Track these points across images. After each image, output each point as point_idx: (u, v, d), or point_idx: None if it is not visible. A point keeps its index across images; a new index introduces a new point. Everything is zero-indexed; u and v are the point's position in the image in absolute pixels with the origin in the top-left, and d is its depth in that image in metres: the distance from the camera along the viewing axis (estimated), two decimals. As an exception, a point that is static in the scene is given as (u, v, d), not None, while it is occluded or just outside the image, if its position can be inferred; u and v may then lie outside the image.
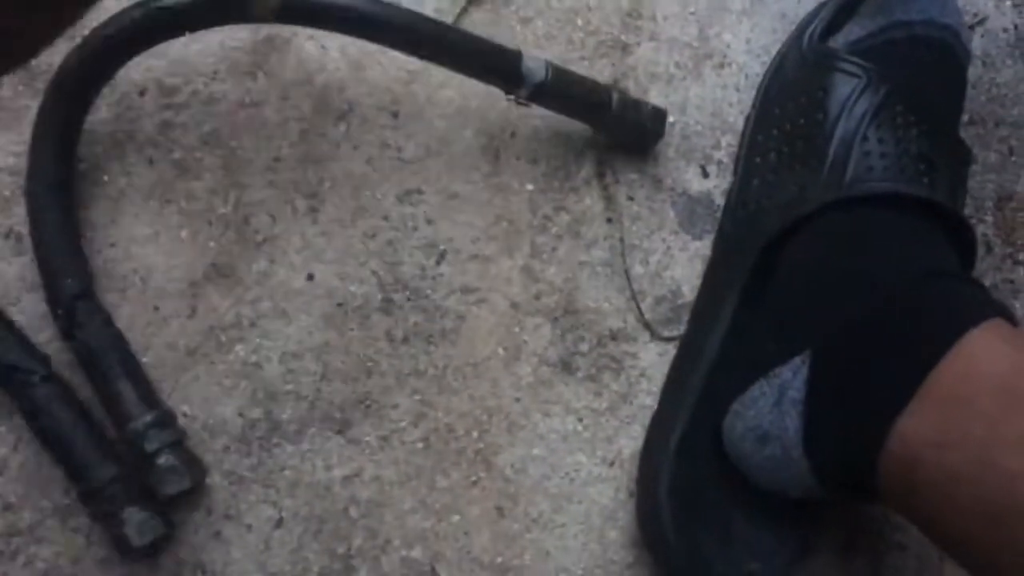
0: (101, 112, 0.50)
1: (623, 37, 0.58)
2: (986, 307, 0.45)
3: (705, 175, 0.58)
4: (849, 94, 0.52)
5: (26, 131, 0.47)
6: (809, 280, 0.50)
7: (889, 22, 0.54)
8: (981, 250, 0.61)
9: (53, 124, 0.47)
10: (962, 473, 0.41)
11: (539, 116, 0.56)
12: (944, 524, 0.42)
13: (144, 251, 0.49)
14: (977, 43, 0.63)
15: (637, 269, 0.56)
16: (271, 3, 0.45)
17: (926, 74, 0.54)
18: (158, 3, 0.45)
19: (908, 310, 0.46)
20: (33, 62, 0.50)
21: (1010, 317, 0.45)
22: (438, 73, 0.54)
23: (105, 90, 0.48)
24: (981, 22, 0.63)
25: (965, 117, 0.62)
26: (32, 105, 0.48)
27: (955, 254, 0.50)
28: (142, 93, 0.51)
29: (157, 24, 0.46)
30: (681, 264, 0.57)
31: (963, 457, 0.41)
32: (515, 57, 0.51)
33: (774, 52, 0.59)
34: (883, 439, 0.43)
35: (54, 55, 0.50)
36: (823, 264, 0.49)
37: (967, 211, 0.61)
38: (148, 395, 0.45)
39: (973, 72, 0.62)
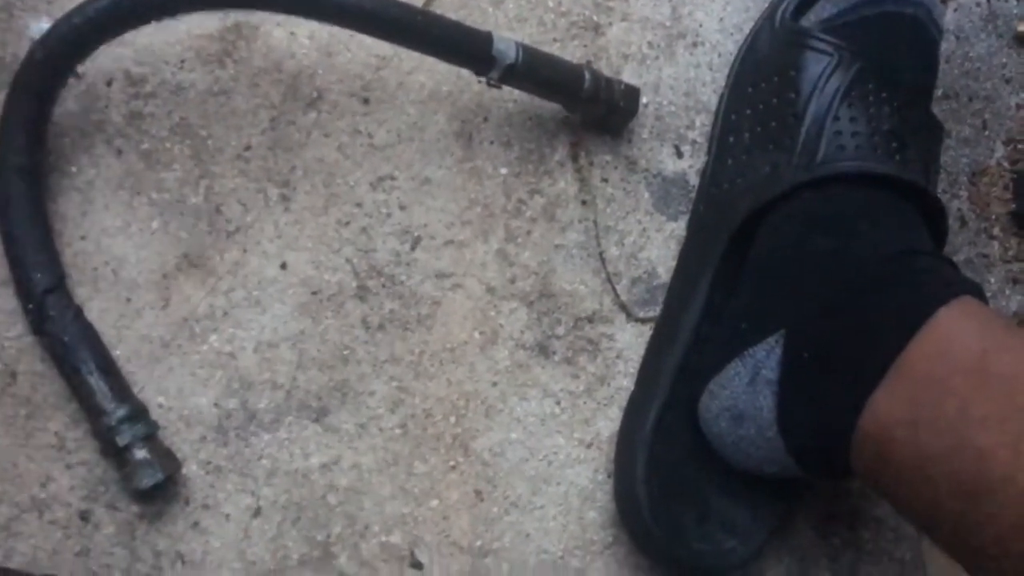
0: (68, 103, 0.49)
1: (595, 18, 0.58)
2: (956, 285, 0.45)
3: (679, 155, 0.58)
4: (821, 72, 0.52)
5: (-8, 124, 0.47)
6: (782, 261, 0.50)
7: (860, 0, 0.53)
8: (956, 224, 0.61)
9: (19, 116, 0.47)
10: (935, 451, 0.41)
11: (512, 99, 0.56)
12: (918, 501, 0.43)
13: (115, 243, 0.49)
14: (950, 18, 0.63)
15: (612, 251, 0.56)
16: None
17: (898, 51, 0.53)
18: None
19: (879, 289, 0.46)
20: (3, 56, 0.49)
21: (980, 294, 0.45)
22: (409, 58, 0.54)
23: (72, 80, 0.48)
24: (954, -4, 0.63)
25: (939, 92, 0.62)
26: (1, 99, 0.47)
27: (927, 231, 0.50)
28: (109, 83, 0.50)
29: (123, 11, 0.45)
30: (656, 245, 0.57)
31: (935, 435, 0.41)
32: (485, 39, 0.50)
33: (747, 30, 0.59)
34: (856, 418, 0.44)
35: (18, 46, 0.49)
36: (795, 245, 0.49)
37: (942, 185, 0.61)
38: (120, 389, 0.45)
39: (946, 47, 0.62)
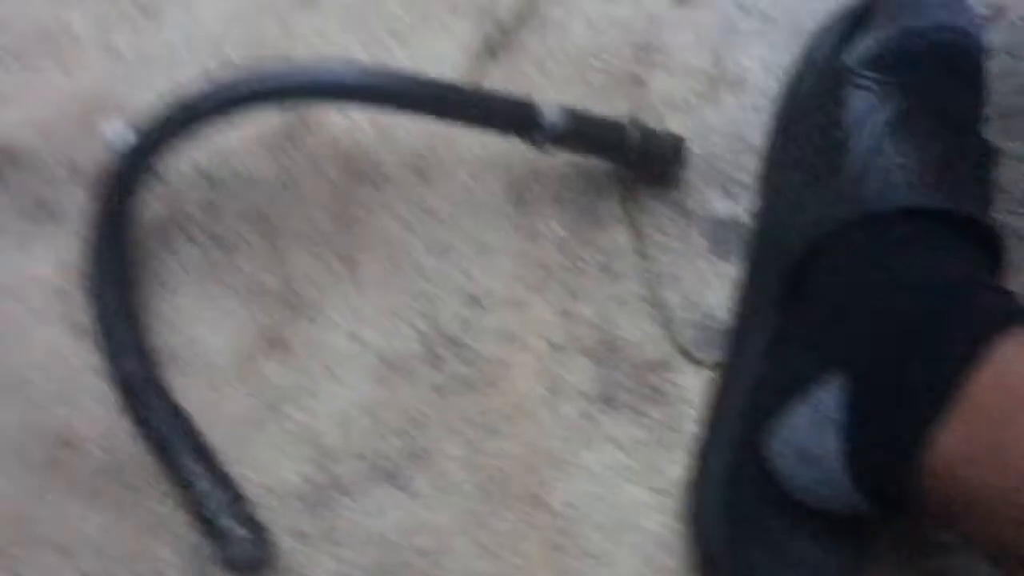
0: (149, 201, 0.53)
1: (637, 71, 0.59)
2: (1014, 315, 0.45)
3: (730, 198, 0.59)
4: (865, 109, 0.53)
5: (82, 226, 0.51)
6: (837, 299, 0.50)
7: (900, 32, 0.54)
8: (1015, 242, 0.61)
9: (106, 217, 0.51)
10: (1000, 486, 0.41)
11: (562, 159, 0.57)
12: (988, 535, 0.43)
13: (199, 329, 0.52)
14: (999, 35, 0.62)
15: (671, 298, 0.57)
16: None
17: (941, 80, 0.54)
18: (190, 96, 0.48)
19: (936, 322, 0.46)
20: (80, 159, 0.53)
21: (1042, 323, 0.45)
22: (461, 130, 0.56)
23: (150, 179, 0.52)
24: (1001, 13, 0.62)
25: (993, 111, 0.61)
26: (84, 202, 0.51)
27: (984, 261, 0.50)
28: (185, 179, 0.54)
29: (191, 114, 0.49)
30: (714, 289, 0.58)
31: (1000, 470, 0.41)
32: (530, 107, 0.52)
33: (790, 69, 0.60)
34: (920, 454, 0.44)
35: (97, 150, 0.53)
36: (850, 283, 0.50)
37: (1002, 205, 0.61)
38: (213, 468, 0.48)
39: (998, 64, 0.62)
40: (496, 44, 0.58)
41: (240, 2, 0.55)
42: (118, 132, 0.51)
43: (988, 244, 0.50)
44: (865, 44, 0.55)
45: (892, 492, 0.46)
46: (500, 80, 0.58)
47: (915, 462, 0.44)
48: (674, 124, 0.59)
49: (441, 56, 0.57)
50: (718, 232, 0.58)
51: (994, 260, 0.51)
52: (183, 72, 0.54)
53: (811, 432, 0.49)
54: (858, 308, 0.49)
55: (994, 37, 0.62)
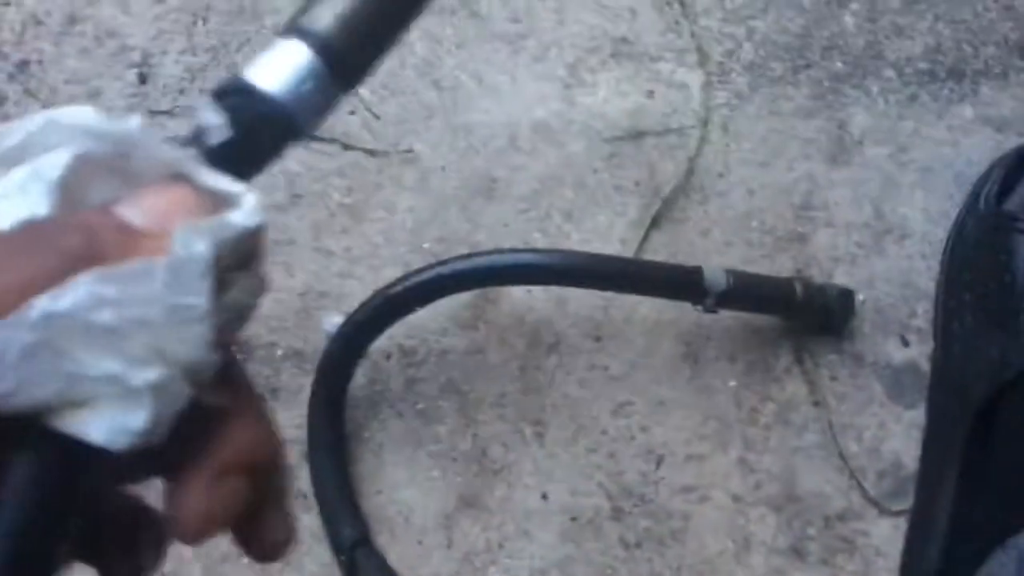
0: (358, 378, 0.60)
1: (799, 229, 0.62)
2: None
3: (906, 344, 0.60)
4: (1033, 254, 0.53)
5: (303, 407, 0.58)
6: (1027, 445, 0.50)
7: (1062, 175, 0.55)
8: None
9: (324, 397, 0.58)
10: None
11: (731, 316, 0.60)
12: None
13: (404, 494, 0.57)
14: None
15: (852, 447, 0.58)
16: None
17: (1112, 217, 0.54)
18: (390, 290, 0.55)
19: None
20: (303, 346, 0.61)
21: None
22: (631, 296, 0.61)
23: (360, 360, 0.58)
24: None
25: None
26: (305, 384, 0.58)
27: None
28: (388, 357, 0.60)
29: (395, 306, 0.56)
30: (897, 436, 0.58)
31: None
32: (695, 273, 0.56)
33: (954, 215, 0.61)
34: None
35: (317, 339, 0.61)
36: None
37: None
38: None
39: None
40: (660, 216, 0.62)
41: (431, 198, 0.63)
42: (334, 323, 0.59)
43: None
44: (1027, 189, 0.56)
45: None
46: (665, 249, 0.62)
47: None
48: (841, 277, 0.61)
49: (610, 232, 0.62)
50: (895, 379, 0.59)
51: None
52: (386, 265, 0.61)
53: (1013, 584, 0.48)
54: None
55: None
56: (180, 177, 0.22)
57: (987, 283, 0.55)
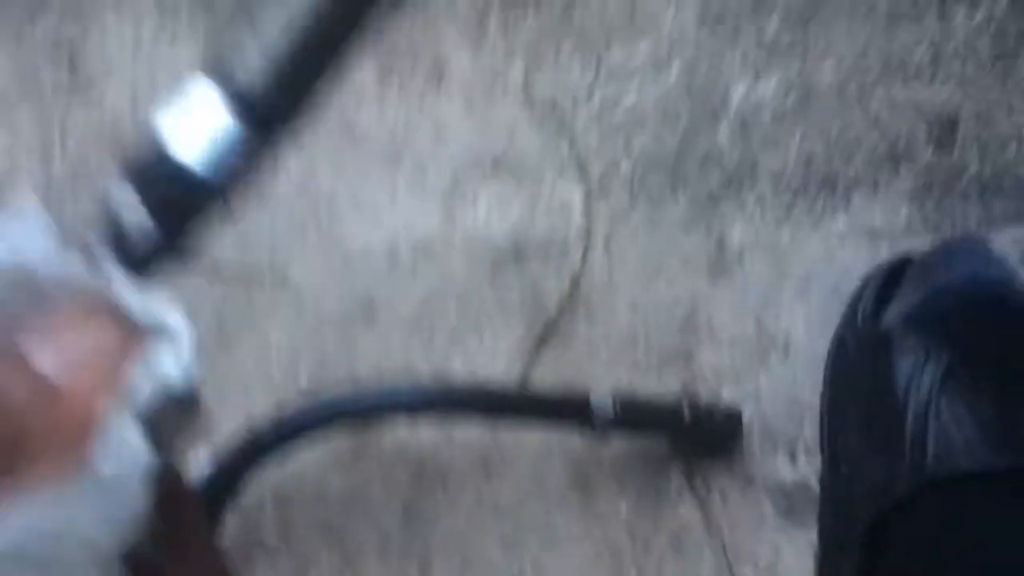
0: (229, 527, 0.55)
1: (684, 345, 0.62)
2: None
3: (794, 461, 0.59)
4: (912, 371, 0.53)
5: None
6: (919, 572, 0.49)
7: (935, 288, 0.55)
8: (1105, 480, 0.59)
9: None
10: None
11: (623, 440, 0.59)
12: None
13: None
14: (1038, 271, 0.63)
15: (748, 573, 0.56)
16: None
17: (984, 333, 0.54)
18: (261, 429, 0.51)
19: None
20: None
21: None
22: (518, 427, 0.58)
23: (231, 505, 0.54)
24: (1037, 250, 0.63)
25: (1048, 346, 0.61)
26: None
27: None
28: (261, 501, 0.57)
29: (266, 446, 0.52)
30: (791, 557, 0.57)
31: None
32: (581, 400, 0.54)
33: (834, 327, 0.61)
34: None
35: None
36: (929, 558, 0.49)
37: (1078, 442, 0.59)
38: None
39: (1043, 299, 0.62)
40: (546, 336, 0.61)
41: (306, 325, 0.60)
42: (200, 462, 0.55)
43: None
44: (902, 304, 0.56)
45: None
46: (552, 369, 0.60)
47: None
48: (727, 393, 0.61)
49: (496, 354, 0.60)
50: (787, 498, 0.58)
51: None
52: (258, 400, 0.58)
53: None
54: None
55: (1034, 274, 0.63)
56: (97, 303, 0.20)
57: (869, 401, 0.55)
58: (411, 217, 0.63)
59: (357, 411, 0.53)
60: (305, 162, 0.64)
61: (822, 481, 0.57)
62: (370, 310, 0.61)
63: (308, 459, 0.57)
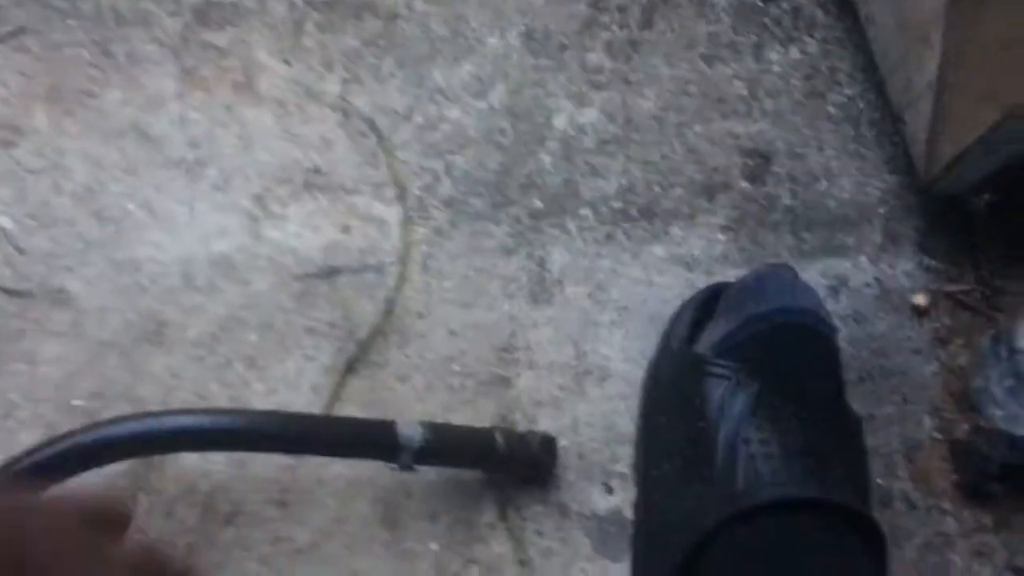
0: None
1: (502, 372, 0.59)
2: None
3: (610, 491, 0.57)
4: (723, 397, 0.53)
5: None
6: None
7: (746, 318, 0.55)
8: (904, 507, 0.60)
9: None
10: None
11: (432, 470, 0.56)
12: None
13: None
14: (845, 303, 0.65)
15: (559, 608, 0.54)
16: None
17: (794, 360, 0.55)
18: (17, 466, 0.45)
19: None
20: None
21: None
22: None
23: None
24: (843, 283, 0.65)
25: (853, 376, 0.63)
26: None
27: (864, 547, 0.48)
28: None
29: (30, 473, 0.46)
30: (604, 592, 0.55)
31: None
32: (389, 429, 0.51)
33: (650, 355, 0.60)
34: None
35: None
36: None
37: (879, 470, 0.61)
38: None
39: (849, 331, 0.64)
40: (356, 361, 0.57)
41: (84, 346, 0.54)
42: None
43: (866, 529, 0.49)
44: (715, 332, 0.56)
45: None
46: (362, 397, 0.57)
47: None
48: (545, 421, 0.59)
49: (300, 379, 0.56)
50: (601, 529, 0.56)
51: (876, 542, 0.50)
52: (24, 428, 0.51)
53: None
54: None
55: (840, 306, 0.65)
56: None
57: (681, 428, 0.54)
58: (211, 232, 0.58)
59: (137, 439, 0.48)
60: (91, 171, 0.58)
61: (636, 511, 0.56)
62: (159, 330, 0.55)
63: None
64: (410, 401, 0.58)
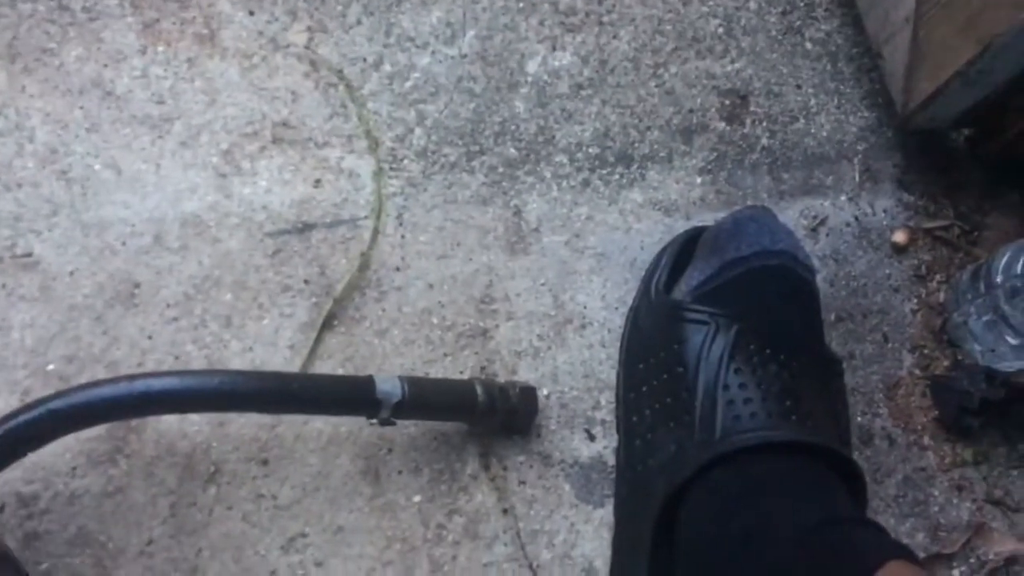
0: (-40, 541, 0.48)
1: (481, 323, 0.59)
2: (884, 550, 0.44)
3: (592, 439, 0.58)
4: (701, 342, 0.53)
5: None
6: (706, 547, 0.48)
7: (724, 262, 0.55)
8: (884, 444, 0.61)
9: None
10: None
11: (413, 423, 0.56)
12: None
13: None
14: (824, 243, 0.65)
15: (543, 554, 0.54)
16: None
17: (772, 304, 0.54)
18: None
19: (807, 566, 0.44)
20: None
21: (910, 555, 0.44)
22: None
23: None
24: (822, 223, 0.65)
25: (832, 317, 0.62)
26: None
27: (844, 489, 0.49)
28: (1, 509, 0.50)
29: (7, 441, 0.46)
30: (588, 538, 0.55)
31: None
32: (367, 384, 0.50)
33: (630, 302, 0.60)
34: None
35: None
36: (715, 530, 0.48)
37: (859, 408, 0.61)
38: None
39: (828, 271, 0.64)
40: (332, 316, 0.57)
41: (55, 309, 0.53)
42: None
43: (846, 470, 0.50)
44: (693, 277, 0.56)
45: None
46: (341, 352, 0.56)
47: None
48: (525, 371, 0.58)
49: (276, 337, 0.56)
50: (584, 477, 0.57)
51: (856, 487, 0.50)
52: (-6, 396, 0.51)
53: None
54: (729, 556, 0.47)
55: (819, 246, 0.64)
56: None
57: (662, 374, 0.54)
58: (180, 190, 0.57)
59: (113, 403, 0.47)
60: (54, 130, 0.57)
61: (618, 457, 0.56)
62: (132, 293, 0.55)
63: (55, 458, 0.51)
64: (389, 355, 0.57)
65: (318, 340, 0.57)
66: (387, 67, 0.63)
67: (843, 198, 0.65)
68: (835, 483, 0.49)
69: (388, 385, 0.51)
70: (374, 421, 0.52)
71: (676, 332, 0.54)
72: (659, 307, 0.56)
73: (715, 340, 0.53)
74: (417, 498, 0.54)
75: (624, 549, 0.54)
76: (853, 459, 0.49)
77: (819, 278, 0.59)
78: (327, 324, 0.57)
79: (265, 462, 0.53)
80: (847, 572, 0.43)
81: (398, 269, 0.59)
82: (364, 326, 0.58)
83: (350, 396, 0.50)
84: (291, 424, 0.54)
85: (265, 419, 0.54)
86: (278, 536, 0.52)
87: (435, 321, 0.59)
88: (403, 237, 0.60)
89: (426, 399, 0.52)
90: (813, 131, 0.66)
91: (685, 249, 0.59)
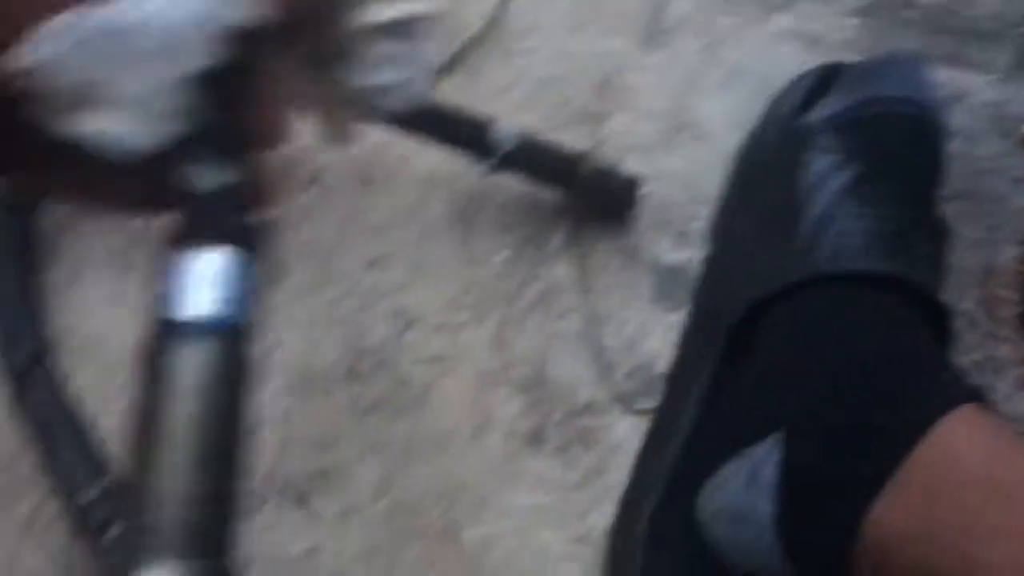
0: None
1: (598, 107, 0.58)
2: (961, 392, 0.43)
3: (680, 246, 0.57)
4: (824, 170, 0.52)
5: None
6: (783, 360, 0.48)
7: (865, 98, 0.53)
8: (965, 326, 0.60)
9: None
10: (939, 566, 0.39)
11: (512, 184, 0.55)
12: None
13: (101, 318, 0.48)
14: (959, 117, 0.62)
15: (610, 340, 0.55)
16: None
17: (902, 151, 0.53)
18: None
19: (882, 395, 0.44)
20: None
21: (985, 402, 0.44)
22: (409, 142, 0.54)
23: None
24: (962, 98, 0.63)
25: (947, 192, 0.61)
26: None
27: (931, 333, 0.48)
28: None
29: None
30: (656, 336, 0.55)
31: (940, 549, 0.39)
32: (484, 126, 0.50)
33: (751, 125, 0.59)
34: (856, 527, 0.42)
35: None
36: (797, 344, 0.48)
37: (950, 287, 0.60)
38: (97, 465, 0.44)
39: (954, 146, 0.62)
40: (454, 62, 0.56)
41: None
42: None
43: (938, 319, 0.49)
44: (829, 107, 0.54)
45: (824, 563, 0.44)
46: (454, 99, 0.56)
47: (851, 536, 0.42)
48: (630, 165, 0.58)
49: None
50: (665, 280, 0.57)
51: (942, 334, 0.49)
52: None
53: (746, 493, 0.46)
54: (806, 373, 0.47)
55: (953, 119, 0.62)
56: None
57: (774, 194, 0.53)
58: None
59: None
60: None
61: (704, 265, 0.56)
62: None
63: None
64: (503, 114, 0.56)
65: (435, 82, 0.56)
66: None
67: (992, 77, 0.63)
68: (926, 326, 0.48)
69: (503, 133, 0.51)
70: (480, 164, 0.51)
71: (799, 155, 0.53)
72: (787, 129, 0.55)
73: (839, 171, 0.51)
74: (501, 255, 0.55)
75: (691, 352, 0.54)
76: (947, 306, 0.49)
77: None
78: (447, 68, 0.56)
79: (367, 183, 0.54)
80: (923, 407, 0.43)
81: (528, 33, 0.58)
82: (482, 81, 0.57)
83: (465, 131, 0.50)
84: (396, 152, 0.54)
85: (371, 141, 0.54)
86: (365, 253, 0.53)
87: (554, 93, 0.58)
88: (537, 4, 0.58)
89: (534, 157, 0.52)
90: (979, 0, 0.63)
91: (823, 81, 0.57)
